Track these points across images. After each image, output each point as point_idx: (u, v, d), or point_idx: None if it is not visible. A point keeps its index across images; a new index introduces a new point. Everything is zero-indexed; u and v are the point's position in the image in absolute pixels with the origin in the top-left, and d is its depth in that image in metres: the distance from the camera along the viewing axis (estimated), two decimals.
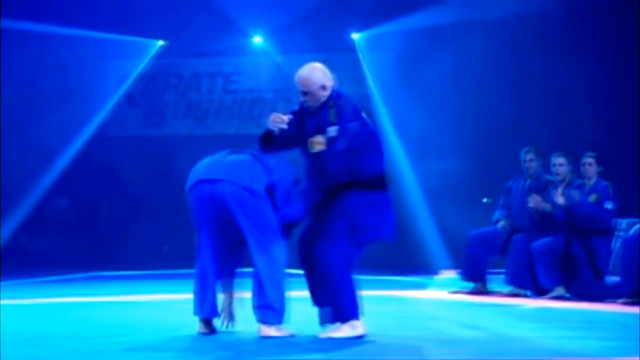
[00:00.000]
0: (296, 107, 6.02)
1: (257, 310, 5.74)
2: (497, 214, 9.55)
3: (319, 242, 5.67)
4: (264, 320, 5.71)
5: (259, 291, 5.72)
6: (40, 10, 14.56)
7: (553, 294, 8.71)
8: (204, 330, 5.92)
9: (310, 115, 5.89)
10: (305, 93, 5.87)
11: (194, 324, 6.03)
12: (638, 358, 4.77)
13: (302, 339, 5.68)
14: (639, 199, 11.27)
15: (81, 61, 15.72)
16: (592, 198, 8.77)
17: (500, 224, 9.38)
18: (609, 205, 8.70)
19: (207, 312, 5.92)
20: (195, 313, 5.96)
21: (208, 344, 5.57)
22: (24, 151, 15.21)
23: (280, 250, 5.77)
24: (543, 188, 9.24)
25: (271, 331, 5.69)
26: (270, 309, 5.71)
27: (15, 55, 15.22)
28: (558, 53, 14.52)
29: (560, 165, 9.05)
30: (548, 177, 9.26)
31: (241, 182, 5.75)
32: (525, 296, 8.95)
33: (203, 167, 5.99)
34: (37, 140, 15.32)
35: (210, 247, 5.90)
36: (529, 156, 9.35)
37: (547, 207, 8.99)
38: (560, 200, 8.79)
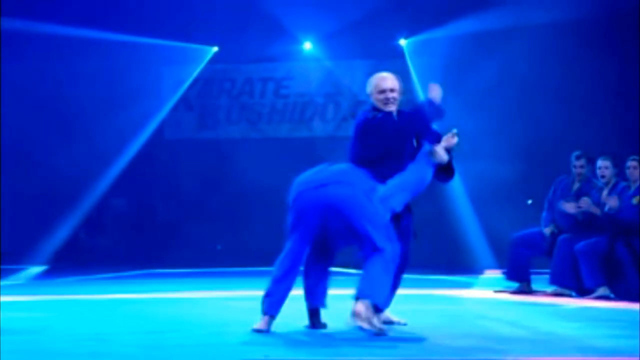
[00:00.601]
0: (366, 115, 6.06)
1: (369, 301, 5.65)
2: (545, 217, 9.46)
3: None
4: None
5: (369, 283, 5.66)
6: (98, 17, 14.73)
7: (597, 293, 8.61)
8: (263, 327, 5.86)
9: (388, 122, 5.96)
10: (394, 91, 6.02)
11: (246, 321, 6.03)
12: None
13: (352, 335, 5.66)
14: None
15: (139, 67, 15.84)
16: (636, 200, 8.66)
17: (547, 230, 9.29)
18: None
19: (276, 311, 5.90)
20: (267, 311, 5.90)
21: (260, 339, 5.56)
22: (85, 152, 15.38)
23: (396, 247, 5.77)
24: (590, 192, 9.15)
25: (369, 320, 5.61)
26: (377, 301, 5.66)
27: (79, 60, 15.40)
28: (603, 57, 14.34)
29: (606, 168, 8.98)
30: (596, 181, 9.17)
31: (354, 183, 5.79)
32: (570, 296, 8.85)
33: (309, 176, 5.96)
34: (98, 142, 15.49)
35: (301, 251, 5.90)
36: (580, 162, 9.30)
37: (597, 210, 8.88)
38: (612, 203, 8.68)
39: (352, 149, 6.09)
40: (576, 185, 9.31)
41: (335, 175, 5.87)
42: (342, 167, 5.98)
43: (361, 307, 5.57)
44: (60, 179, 15.19)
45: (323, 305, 6.02)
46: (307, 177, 5.97)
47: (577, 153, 9.36)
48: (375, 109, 6.10)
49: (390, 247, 5.73)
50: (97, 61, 15.53)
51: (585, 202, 8.95)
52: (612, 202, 8.71)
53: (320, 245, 5.96)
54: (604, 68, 14.35)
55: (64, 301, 8.50)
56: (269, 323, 5.89)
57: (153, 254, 15.37)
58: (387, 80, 6.14)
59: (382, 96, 6.08)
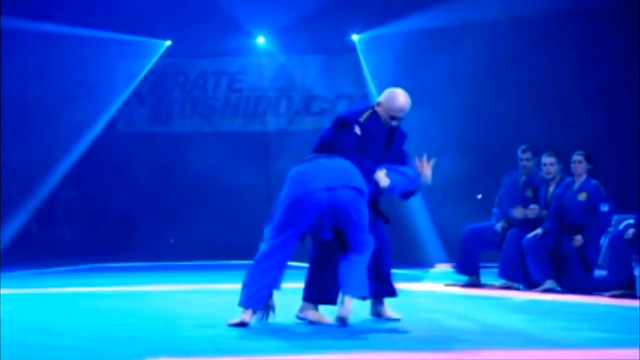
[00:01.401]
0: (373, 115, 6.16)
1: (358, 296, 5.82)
2: (496, 212, 9.56)
3: None
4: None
5: (359, 281, 5.80)
6: (50, 10, 14.56)
7: (544, 287, 8.71)
8: (240, 321, 5.72)
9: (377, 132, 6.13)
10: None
11: (196, 314, 6.01)
12: (626, 348, 4.76)
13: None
14: (628, 196, 11.25)
15: (91, 60, 15.73)
16: (582, 196, 8.77)
17: (499, 226, 9.39)
18: (605, 208, 8.68)
19: (255, 304, 5.77)
20: (246, 304, 5.75)
21: (214, 332, 5.55)
22: (35, 146, 15.22)
23: (372, 246, 5.98)
24: (537, 185, 9.28)
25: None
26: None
27: (26, 54, 15.23)
28: (552, 54, 14.50)
29: (551, 164, 9.10)
30: (542, 174, 9.29)
31: (355, 185, 5.84)
32: (517, 289, 8.94)
33: (314, 175, 5.85)
34: (50, 135, 15.34)
35: (290, 248, 5.84)
36: (526, 155, 9.40)
37: (531, 213, 9.02)
38: (518, 214, 9.05)
39: (340, 136, 6.06)
40: (523, 179, 9.42)
41: (344, 177, 5.84)
42: (343, 165, 5.91)
43: (351, 304, 5.74)
44: (12, 172, 15.01)
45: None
46: (310, 175, 5.84)
47: (522, 147, 9.48)
48: (375, 113, 6.14)
49: (370, 249, 5.93)
50: (49, 54, 15.38)
51: (533, 211, 9.06)
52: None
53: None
54: (553, 64, 14.49)
55: (16, 295, 8.41)
56: (250, 316, 5.74)
57: (105, 247, 15.28)
58: (407, 106, 6.24)
59: (394, 115, 6.17)
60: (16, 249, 14.71)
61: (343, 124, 6.08)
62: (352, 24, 15.64)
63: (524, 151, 9.44)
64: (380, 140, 6.16)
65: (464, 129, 14.70)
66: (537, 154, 9.39)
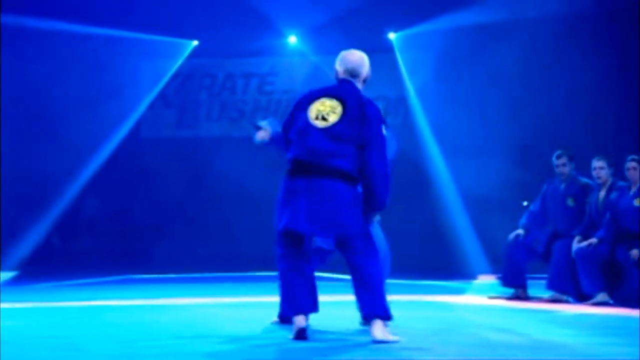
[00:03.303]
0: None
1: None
2: (523, 220, 9.52)
3: None
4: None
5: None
6: (72, 10, 14.67)
7: (596, 299, 8.64)
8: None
9: None
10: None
11: (224, 328, 6.02)
12: None
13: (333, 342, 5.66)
14: None
15: (114, 62, 15.82)
16: (638, 202, 8.69)
17: (513, 234, 9.34)
18: None
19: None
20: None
21: (241, 346, 5.56)
22: (58, 151, 15.32)
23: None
24: (580, 191, 9.23)
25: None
26: None
27: (47, 55, 15.35)
28: (597, 53, 14.38)
29: (601, 168, 9.04)
30: (583, 180, 9.23)
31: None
32: (567, 302, 8.88)
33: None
34: (71, 141, 15.44)
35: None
36: (561, 160, 9.37)
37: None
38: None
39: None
40: (562, 186, 9.37)
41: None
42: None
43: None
44: (32, 180, 15.14)
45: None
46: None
47: (557, 152, 9.46)
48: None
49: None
50: (71, 55, 15.49)
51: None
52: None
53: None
54: (601, 63, 14.38)
55: (36, 309, 8.47)
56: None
57: (129, 258, 15.35)
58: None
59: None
60: (37, 260, 14.83)
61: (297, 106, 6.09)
62: (389, 22, 15.63)
63: (558, 157, 9.41)
64: None
65: (508, 132, 14.63)
66: (573, 159, 9.36)
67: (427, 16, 14.95)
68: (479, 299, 9.62)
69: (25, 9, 14.30)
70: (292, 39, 16.16)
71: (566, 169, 9.35)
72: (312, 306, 5.85)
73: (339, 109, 5.84)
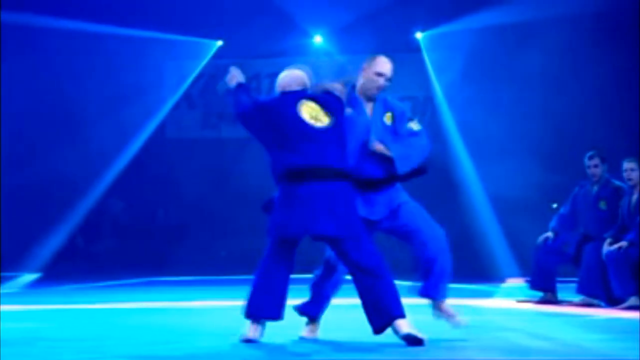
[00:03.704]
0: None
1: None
2: (552, 223, 9.45)
3: None
4: None
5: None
6: (96, 10, 14.73)
7: (627, 303, 8.56)
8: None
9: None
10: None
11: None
12: None
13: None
14: None
15: (138, 62, 15.87)
16: None
17: (542, 237, 9.27)
18: None
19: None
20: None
21: (258, 351, 5.54)
22: (82, 152, 15.39)
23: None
24: (613, 194, 9.14)
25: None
26: None
27: (77, 55, 15.42)
28: (635, 52, 14.28)
29: (632, 170, 8.97)
30: (616, 182, 9.14)
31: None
32: (598, 306, 8.80)
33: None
34: (95, 142, 15.51)
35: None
36: (594, 161, 9.27)
37: None
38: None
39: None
40: (595, 189, 9.28)
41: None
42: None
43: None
44: (56, 181, 15.21)
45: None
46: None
47: (589, 153, 9.36)
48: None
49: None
50: (95, 56, 15.57)
51: None
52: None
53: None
54: (632, 63, 14.28)
55: (60, 310, 8.49)
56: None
57: (153, 260, 15.39)
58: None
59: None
60: (61, 262, 14.90)
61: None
62: (416, 21, 15.60)
63: (590, 157, 9.32)
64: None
65: (536, 133, 14.56)
66: (605, 160, 9.26)
67: (454, 16, 14.91)
68: (507, 302, 9.57)
69: (48, 10, 14.36)
70: (318, 39, 16.16)
71: (598, 170, 9.25)
72: (278, 313, 5.89)
73: (321, 110, 5.91)
